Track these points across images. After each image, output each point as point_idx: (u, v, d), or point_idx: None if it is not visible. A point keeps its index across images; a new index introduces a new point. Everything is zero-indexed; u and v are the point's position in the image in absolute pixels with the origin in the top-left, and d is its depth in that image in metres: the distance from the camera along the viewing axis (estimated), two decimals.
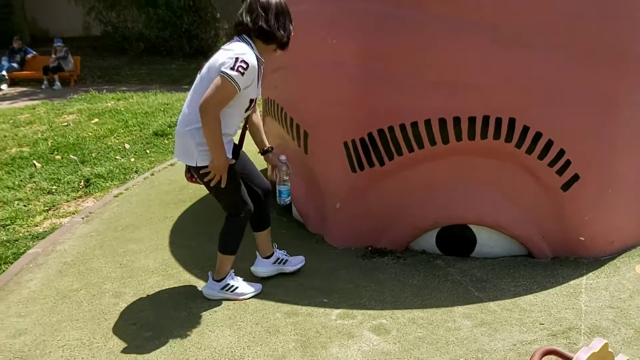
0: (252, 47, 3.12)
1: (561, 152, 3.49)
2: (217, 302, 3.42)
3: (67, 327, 3.24)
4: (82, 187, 5.91)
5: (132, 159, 6.90)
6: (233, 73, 2.97)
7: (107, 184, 5.95)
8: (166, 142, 7.64)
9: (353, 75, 3.69)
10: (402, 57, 3.55)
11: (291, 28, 3.24)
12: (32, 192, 5.81)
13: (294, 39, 3.38)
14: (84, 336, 3.14)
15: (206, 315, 3.30)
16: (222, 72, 2.99)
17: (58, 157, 7.04)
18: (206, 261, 3.86)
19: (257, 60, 3.11)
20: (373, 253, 3.96)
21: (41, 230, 4.86)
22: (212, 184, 3.17)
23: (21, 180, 6.18)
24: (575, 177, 3.55)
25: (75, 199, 5.63)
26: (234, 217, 3.35)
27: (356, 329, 3.11)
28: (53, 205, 5.45)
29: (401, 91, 3.59)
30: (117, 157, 6.99)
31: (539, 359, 1.67)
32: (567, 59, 3.36)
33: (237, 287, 3.46)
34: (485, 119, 3.47)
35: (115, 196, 5.48)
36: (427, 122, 3.55)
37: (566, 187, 3.58)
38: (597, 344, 1.64)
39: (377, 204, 3.90)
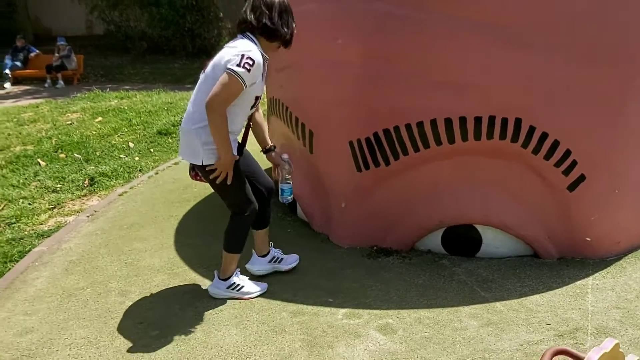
0: (256, 44, 3.14)
1: (567, 153, 3.48)
2: (223, 301, 3.43)
3: (74, 325, 3.24)
4: (87, 185, 5.92)
5: (137, 158, 6.91)
6: (239, 70, 2.98)
7: (112, 183, 5.96)
8: (170, 141, 7.64)
9: (359, 75, 3.69)
10: (408, 57, 3.55)
11: (294, 26, 3.25)
12: (37, 191, 5.82)
13: (300, 39, 3.38)
14: (90, 334, 3.14)
15: (212, 314, 3.31)
16: (228, 69, 2.99)
17: (62, 155, 7.05)
18: (211, 260, 3.86)
19: (262, 57, 3.12)
20: (378, 252, 3.96)
21: (46, 228, 4.87)
22: (218, 181, 3.17)
23: (26, 179, 6.19)
24: (582, 178, 3.54)
25: (80, 197, 5.64)
26: (238, 216, 3.36)
27: (362, 329, 3.11)
28: (58, 204, 5.46)
29: (407, 91, 3.59)
30: (121, 156, 6.99)
31: (550, 359, 1.67)
32: (572, 59, 3.36)
33: (243, 286, 3.46)
34: (492, 119, 3.46)
35: (120, 195, 5.49)
36: (433, 122, 3.54)
37: (572, 187, 3.57)
38: (608, 344, 1.64)
39: (382, 203, 3.90)
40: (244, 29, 3.19)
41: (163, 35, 17.90)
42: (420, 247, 3.98)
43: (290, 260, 3.80)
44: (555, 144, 3.46)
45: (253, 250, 3.73)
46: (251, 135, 3.52)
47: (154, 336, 3.11)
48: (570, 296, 3.35)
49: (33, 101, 11.49)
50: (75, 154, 7.01)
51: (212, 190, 3.38)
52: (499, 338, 2.97)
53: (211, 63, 3.17)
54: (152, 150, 7.28)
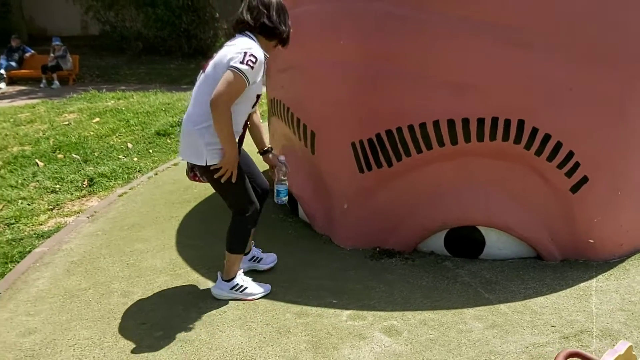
0: (256, 42, 3.14)
1: (570, 154, 3.49)
2: (227, 302, 3.42)
3: (77, 326, 3.23)
4: (86, 186, 5.89)
5: (135, 159, 6.88)
6: (243, 67, 2.98)
7: (111, 184, 5.93)
8: (169, 141, 7.62)
9: (360, 75, 3.69)
10: (409, 57, 3.55)
11: (290, 24, 3.27)
12: (36, 191, 5.79)
13: (302, 40, 3.38)
14: (94, 335, 3.13)
15: (216, 315, 3.30)
16: (231, 66, 2.99)
17: (60, 156, 7.02)
18: (214, 261, 3.85)
19: (264, 55, 3.12)
20: (381, 254, 3.96)
21: (46, 229, 4.84)
22: (223, 180, 3.16)
23: (24, 179, 6.16)
24: (585, 179, 3.55)
25: (79, 198, 5.61)
26: (240, 216, 3.35)
27: (367, 330, 3.11)
28: (57, 204, 5.43)
29: (409, 92, 3.59)
30: (119, 157, 6.97)
31: None
32: (573, 59, 3.36)
33: (246, 287, 3.46)
34: (494, 120, 3.47)
35: (119, 195, 5.47)
36: (436, 123, 3.55)
37: (575, 189, 3.58)
38: (621, 346, 1.64)
39: (385, 204, 3.89)
40: (242, 28, 3.20)
41: (159, 36, 17.87)
42: (423, 248, 3.98)
43: (269, 260, 3.84)
44: (558, 146, 3.47)
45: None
46: (247, 136, 3.51)
47: (158, 337, 3.10)
48: (575, 298, 3.36)
49: (29, 101, 11.44)
50: (74, 155, 6.98)
51: (213, 191, 3.38)
52: (504, 340, 2.97)
53: (212, 62, 3.17)
54: (150, 151, 7.26)
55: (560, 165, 3.52)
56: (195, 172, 3.36)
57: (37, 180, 6.10)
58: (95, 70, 15.94)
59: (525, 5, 3.32)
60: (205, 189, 5.28)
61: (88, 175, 6.12)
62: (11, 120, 9.29)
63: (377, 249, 4.01)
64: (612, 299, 3.33)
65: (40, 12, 22.19)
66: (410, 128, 3.61)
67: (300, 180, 4.32)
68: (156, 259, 4.04)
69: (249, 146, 3.47)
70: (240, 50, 3.03)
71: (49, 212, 5.25)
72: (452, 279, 3.63)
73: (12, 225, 4.93)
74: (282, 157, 3.57)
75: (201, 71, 3.24)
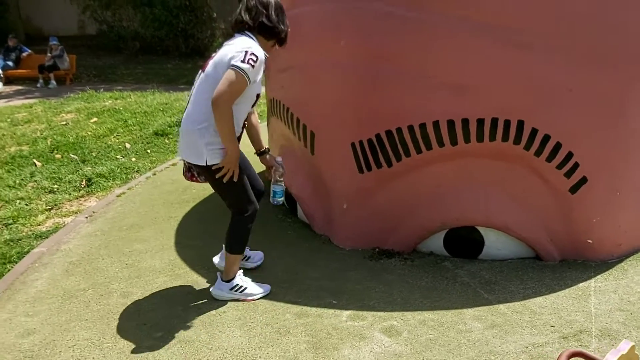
0: (255, 42, 3.15)
1: (569, 155, 3.50)
2: (226, 303, 3.42)
3: (76, 327, 3.22)
4: (84, 186, 5.89)
5: (133, 159, 6.88)
6: (244, 66, 2.99)
7: (109, 184, 5.93)
8: (167, 141, 7.61)
9: (361, 76, 3.70)
10: (409, 58, 3.55)
11: (288, 24, 3.28)
12: (34, 191, 5.79)
13: (302, 40, 3.38)
14: (93, 336, 3.12)
15: (216, 315, 3.29)
16: (233, 65, 3.00)
17: (58, 156, 7.01)
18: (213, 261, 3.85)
19: (264, 55, 3.13)
20: (380, 254, 3.96)
21: (44, 229, 4.83)
22: (225, 180, 3.16)
23: (22, 179, 6.15)
24: (584, 180, 3.56)
25: (77, 198, 5.60)
26: (239, 216, 3.36)
27: (367, 331, 3.11)
28: (55, 205, 5.42)
29: (409, 92, 3.59)
30: (117, 157, 6.96)
31: None
32: (573, 60, 3.37)
33: (246, 288, 3.46)
34: (494, 121, 3.47)
35: (118, 196, 5.46)
36: (435, 124, 3.55)
37: (574, 189, 3.59)
38: (624, 345, 1.65)
39: (384, 205, 3.90)
40: (241, 28, 3.20)
41: (156, 36, 17.87)
42: (422, 249, 3.99)
43: (257, 258, 3.85)
44: (558, 146, 3.48)
45: (224, 246, 3.74)
46: (245, 137, 3.51)
47: (158, 338, 3.10)
48: (573, 298, 3.36)
49: (26, 101, 11.43)
50: (71, 155, 6.97)
51: (212, 192, 3.38)
52: (503, 340, 2.98)
53: (212, 62, 3.17)
54: (148, 151, 7.25)
55: (560, 166, 3.53)
56: (193, 172, 3.36)
57: (35, 181, 6.09)
58: (92, 70, 15.93)
59: (525, 7, 3.32)
60: (204, 190, 5.28)
61: (86, 176, 6.12)
62: (8, 120, 9.28)
63: (377, 249, 4.01)
64: (611, 299, 3.34)
65: (38, 12, 22.17)
66: (410, 128, 3.61)
67: (299, 180, 4.33)
68: (155, 260, 4.03)
69: (245, 147, 3.47)
70: (241, 49, 3.04)
71: (47, 213, 5.24)
72: (452, 279, 3.64)
73: (10, 226, 4.92)
74: (279, 159, 3.57)
75: (200, 71, 3.24)
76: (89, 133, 7.99)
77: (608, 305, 3.28)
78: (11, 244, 4.52)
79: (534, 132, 3.46)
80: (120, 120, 8.64)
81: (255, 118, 3.55)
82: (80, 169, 6.44)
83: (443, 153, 3.62)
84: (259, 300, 3.45)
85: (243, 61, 2.99)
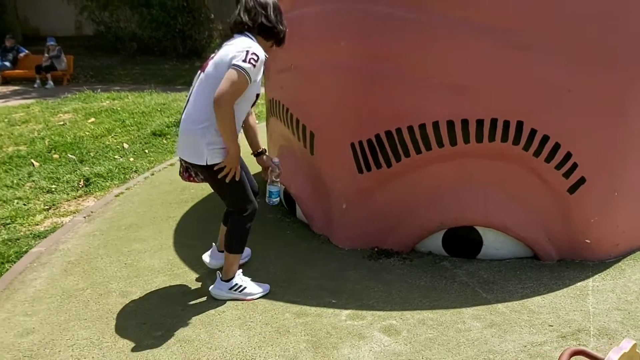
0: (255, 42, 3.16)
1: (568, 155, 3.51)
2: (226, 302, 3.42)
3: (75, 326, 3.22)
4: (82, 186, 5.88)
5: (131, 159, 6.87)
6: (246, 65, 3.00)
7: (107, 184, 5.92)
8: (165, 142, 7.61)
9: (360, 76, 3.71)
10: (409, 58, 3.57)
11: (286, 25, 3.30)
12: (32, 191, 5.78)
13: (302, 41, 3.38)
14: (92, 335, 3.12)
15: (215, 315, 3.30)
16: (234, 64, 3.00)
17: (56, 156, 7.00)
18: None
19: (264, 55, 3.14)
20: (379, 254, 3.97)
21: (42, 229, 4.83)
22: (227, 179, 3.16)
23: (20, 179, 6.13)
24: (582, 180, 3.57)
25: (75, 198, 5.59)
26: (238, 216, 3.36)
27: (366, 330, 3.12)
28: (53, 204, 5.41)
29: (408, 93, 3.60)
30: (115, 157, 6.95)
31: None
32: (573, 61, 3.38)
33: (245, 287, 3.46)
34: (493, 121, 3.48)
35: (116, 196, 5.46)
36: (435, 124, 3.56)
37: (573, 189, 3.60)
38: (626, 344, 1.66)
39: (383, 205, 3.90)
40: (240, 29, 3.21)
41: (153, 37, 17.87)
42: (421, 248, 3.99)
43: (244, 255, 3.82)
44: (556, 147, 3.49)
45: (214, 244, 3.76)
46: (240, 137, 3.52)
47: (157, 337, 3.09)
48: (571, 298, 3.37)
49: (23, 101, 11.41)
50: (69, 155, 6.96)
51: (210, 192, 3.38)
52: (502, 339, 2.99)
53: (212, 62, 3.17)
54: (146, 151, 7.24)
55: (559, 166, 3.54)
56: (191, 172, 3.36)
57: (33, 180, 6.08)
58: (90, 70, 15.92)
59: (525, 8, 3.34)
60: (202, 190, 5.28)
61: (84, 175, 6.11)
62: (5, 120, 9.26)
63: (375, 249, 4.01)
64: (609, 298, 3.35)
65: (35, 12, 22.15)
66: (410, 129, 3.62)
67: (299, 180, 4.33)
68: (154, 259, 4.03)
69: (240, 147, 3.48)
70: (242, 48, 3.05)
71: (45, 212, 5.24)
72: (450, 278, 3.65)
73: (8, 226, 4.91)
74: (276, 159, 3.58)
75: (200, 71, 3.25)
76: (87, 133, 7.98)
77: (606, 304, 3.29)
78: (9, 243, 4.51)
79: (533, 132, 3.47)
80: (118, 120, 8.64)
81: (252, 119, 3.55)
82: (78, 169, 6.43)
83: (442, 153, 3.63)
84: (259, 299, 3.45)
85: (244, 60, 3.00)
